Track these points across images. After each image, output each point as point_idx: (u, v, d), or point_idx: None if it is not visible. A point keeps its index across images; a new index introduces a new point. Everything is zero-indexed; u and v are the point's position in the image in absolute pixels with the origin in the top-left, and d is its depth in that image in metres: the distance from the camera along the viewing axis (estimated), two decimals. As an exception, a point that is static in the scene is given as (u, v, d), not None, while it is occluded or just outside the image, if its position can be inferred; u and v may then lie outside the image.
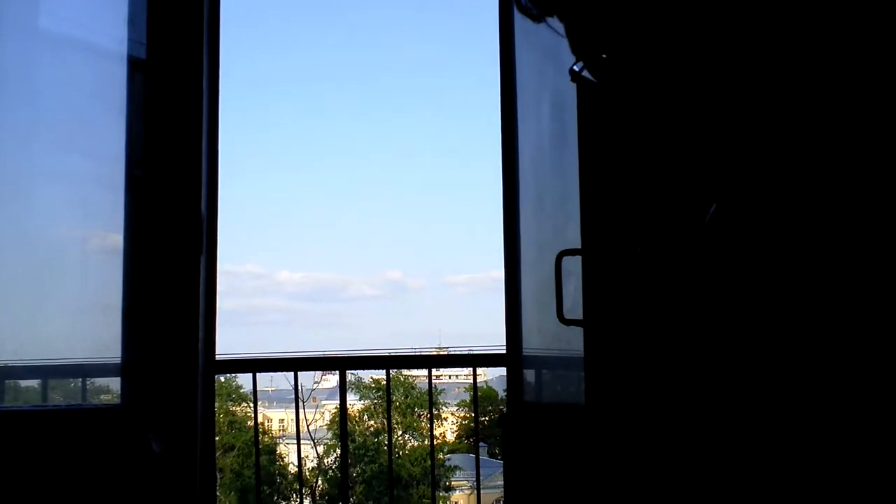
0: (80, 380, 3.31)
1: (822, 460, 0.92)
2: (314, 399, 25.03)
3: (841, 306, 0.91)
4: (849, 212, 0.91)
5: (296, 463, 24.44)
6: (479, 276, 68.03)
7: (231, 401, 24.30)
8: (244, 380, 24.10)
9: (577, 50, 1.05)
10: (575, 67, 1.05)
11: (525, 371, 3.25)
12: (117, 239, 3.09)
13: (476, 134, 65.17)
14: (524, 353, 3.23)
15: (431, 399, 4.47)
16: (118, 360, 3.03)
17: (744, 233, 0.96)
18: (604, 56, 1.03)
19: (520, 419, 3.16)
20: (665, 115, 1.02)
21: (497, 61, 3.38)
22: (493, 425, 25.22)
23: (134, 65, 3.11)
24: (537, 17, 1.08)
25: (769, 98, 0.98)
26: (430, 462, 23.02)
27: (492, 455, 25.22)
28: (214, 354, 3.20)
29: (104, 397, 3.30)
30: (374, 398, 25.00)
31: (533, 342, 3.19)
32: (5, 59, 2.99)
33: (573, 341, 2.55)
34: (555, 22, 1.08)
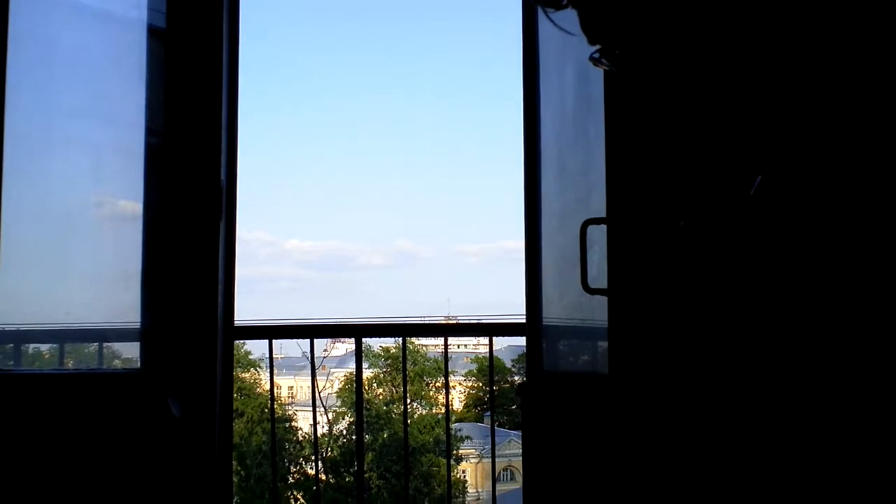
0: (98, 345, 3.32)
1: (863, 459, 0.90)
2: (324, 367, 25.16)
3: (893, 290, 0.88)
4: None
5: (304, 430, 24.62)
6: (489, 247, 68.11)
7: (240, 367, 24.41)
8: (252, 346, 24.25)
9: (593, 42, 1.03)
10: (594, 55, 1.03)
11: (544, 340, 3.25)
12: (136, 206, 3.09)
13: (489, 102, 64.90)
14: (543, 323, 3.22)
15: (447, 369, 4.47)
16: (137, 326, 3.03)
17: (791, 207, 0.94)
18: (617, 52, 1.01)
19: (539, 388, 3.16)
20: (694, 92, 1.00)
21: (520, 25, 3.35)
22: (500, 395, 25.33)
23: (153, 33, 3.09)
24: (546, 5, 1.05)
25: (817, 68, 0.95)
26: (437, 430, 23.16)
27: (499, 424, 25.36)
28: (233, 320, 3.20)
29: (116, 363, 3.32)
30: (384, 367, 25.12)
31: (552, 312, 3.18)
32: (24, 26, 2.97)
33: (596, 311, 2.54)
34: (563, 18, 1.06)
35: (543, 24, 3.15)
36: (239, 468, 20.41)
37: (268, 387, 24.09)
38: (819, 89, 0.95)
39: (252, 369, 25.27)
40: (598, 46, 1.00)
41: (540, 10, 1.08)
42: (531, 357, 3.28)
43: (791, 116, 0.96)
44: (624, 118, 2.19)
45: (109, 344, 3.30)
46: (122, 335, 3.20)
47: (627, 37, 0.98)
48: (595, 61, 1.01)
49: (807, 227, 0.93)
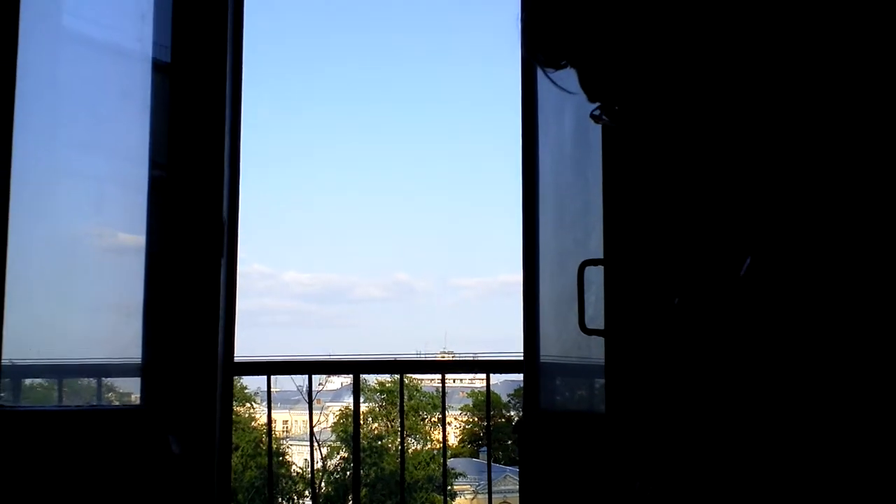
0: (96, 379, 3.32)
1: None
2: (318, 401, 25.05)
3: (881, 369, 0.91)
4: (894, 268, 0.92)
5: (298, 464, 24.47)
6: (487, 280, 68.09)
7: (236, 401, 24.31)
8: (248, 379, 24.16)
9: (593, 99, 1.06)
10: (594, 112, 1.07)
11: (541, 378, 3.26)
12: (139, 239, 3.11)
13: (487, 137, 65.19)
14: (541, 361, 3.24)
15: (444, 406, 4.47)
16: (138, 361, 3.05)
17: (780, 289, 0.97)
18: (616, 108, 1.04)
19: (536, 426, 3.18)
20: (690, 158, 1.03)
21: (519, 66, 3.40)
22: (496, 430, 25.20)
23: (158, 67, 3.13)
24: (545, 65, 1.09)
25: (806, 148, 0.99)
26: (432, 466, 23.01)
27: (494, 460, 25.22)
28: (233, 357, 3.22)
29: (109, 395, 3.32)
30: (379, 401, 25.02)
31: (550, 349, 3.20)
32: (30, 59, 3.00)
33: (593, 349, 2.56)
34: (562, 76, 1.09)
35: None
36: (233, 504, 20.27)
37: (262, 420, 24.02)
38: (806, 179, 0.97)
39: (247, 403, 25.17)
40: (597, 103, 1.03)
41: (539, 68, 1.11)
42: (528, 394, 3.30)
43: (779, 204, 0.99)
44: (622, 166, 2.23)
45: (109, 380, 3.31)
46: (122, 370, 3.21)
47: (626, 95, 1.02)
48: (595, 118, 1.04)
49: (794, 309, 0.96)
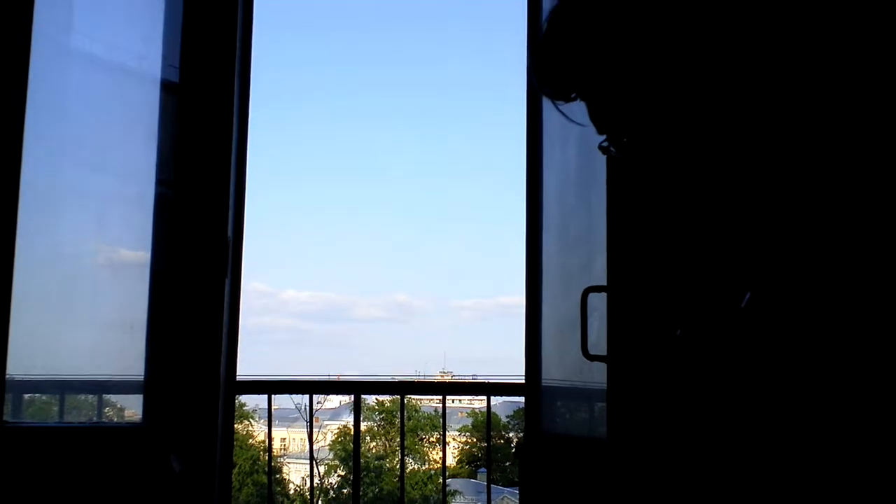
0: (97, 396, 3.33)
1: None
2: (317, 419, 24.98)
3: (883, 400, 0.93)
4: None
5: (296, 482, 24.38)
6: (485, 302, 68.04)
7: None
8: (246, 397, 24.12)
9: (602, 131, 1.07)
10: (603, 144, 1.08)
11: (543, 402, 3.27)
12: (144, 257, 3.13)
13: (490, 158, 65.32)
14: (543, 384, 3.25)
15: (445, 427, 4.46)
16: (141, 378, 3.05)
17: (779, 325, 0.99)
18: (625, 140, 1.06)
19: (537, 449, 3.18)
20: (694, 193, 1.04)
21: (524, 86, 3.43)
22: (494, 451, 25.13)
23: (166, 87, 3.15)
24: (554, 97, 1.10)
25: (806, 184, 1.00)
26: (429, 486, 22.94)
27: (493, 481, 25.12)
28: (235, 375, 3.23)
29: (110, 412, 3.32)
30: (378, 420, 24.97)
31: (552, 373, 3.21)
32: (38, 78, 3.03)
33: (595, 375, 2.57)
34: (569, 107, 1.10)
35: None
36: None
37: (260, 438, 23.98)
38: (805, 221, 0.99)
39: (245, 420, 25.11)
40: (606, 135, 1.05)
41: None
42: (530, 418, 3.30)
43: (778, 242, 1.00)
44: (626, 196, 2.24)
45: (110, 396, 3.31)
46: (124, 387, 3.22)
47: (635, 129, 1.03)
48: (604, 150, 1.05)
49: (794, 341, 0.97)
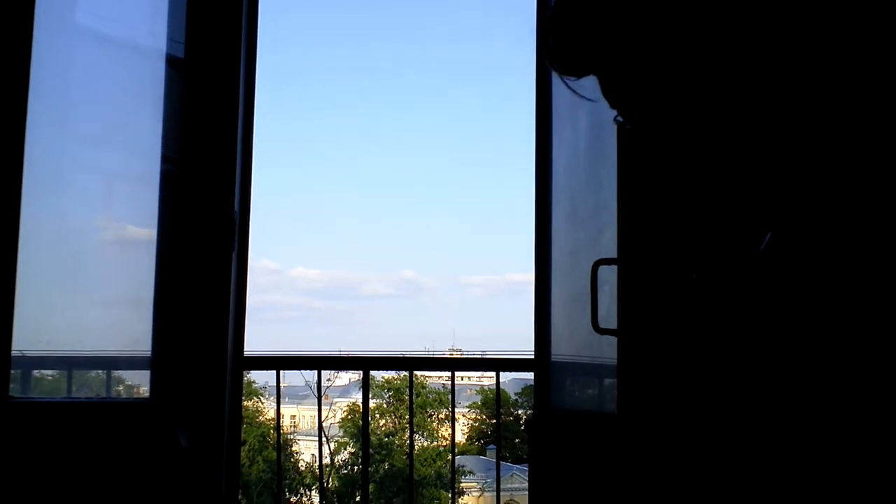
0: (105, 372, 3.33)
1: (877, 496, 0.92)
2: (327, 396, 25.10)
3: None
4: None
5: (306, 459, 24.52)
6: (495, 279, 68.12)
7: (243, 395, 24.33)
8: (256, 374, 24.23)
9: (615, 106, 1.06)
10: (617, 118, 1.07)
11: (552, 377, 3.25)
12: (150, 233, 3.12)
13: (497, 136, 65.19)
14: (552, 360, 3.23)
15: (454, 404, 4.45)
16: (148, 354, 3.05)
17: (800, 265, 0.97)
18: (637, 114, 1.04)
19: (547, 425, 3.17)
20: (709, 150, 1.02)
21: (534, 63, 3.40)
22: (504, 428, 25.21)
23: (172, 63, 3.13)
24: (565, 73, 1.08)
25: (826, 125, 0.98)
26: (439, 463, 23.04)
27: (502, 458, 25.21)
28: (243, 351, 3.22)
29: (118, 388, 3.32)
30: (386, 397, 25.06)
31: (561, 348, 3.19)
32: (43, 54, 3.01)
33: (605, 349, 2.55)
34: (578, 82, 1.08)
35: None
36: (242, 498, 20.34)
37: (269, 415, 24.13)
38: (825, 157, 0.97)
39: (255, 398, 25.23)
40: (618, 110, 1.03)
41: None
42: (539, 393, 3.29)
43: (800, 182, 0.98)
44: (637, 167, 2.22)
45: (118, 372, 3.31)
46: (132, 363, 3.22)
47: (647, 102, 1.01)
48: (619, 124, 1.04)
49: (814, 283, 0.95)
